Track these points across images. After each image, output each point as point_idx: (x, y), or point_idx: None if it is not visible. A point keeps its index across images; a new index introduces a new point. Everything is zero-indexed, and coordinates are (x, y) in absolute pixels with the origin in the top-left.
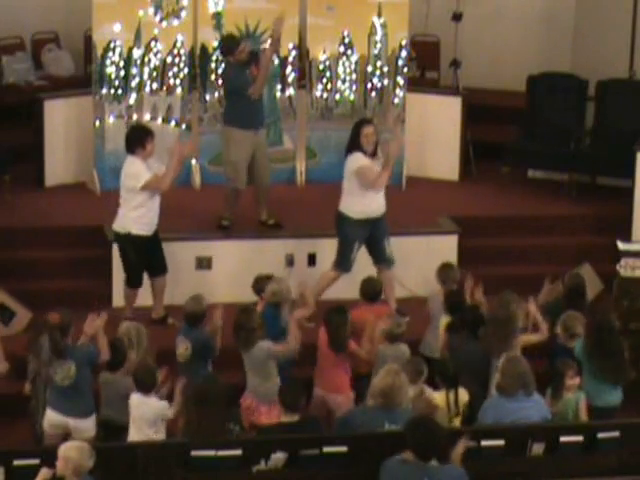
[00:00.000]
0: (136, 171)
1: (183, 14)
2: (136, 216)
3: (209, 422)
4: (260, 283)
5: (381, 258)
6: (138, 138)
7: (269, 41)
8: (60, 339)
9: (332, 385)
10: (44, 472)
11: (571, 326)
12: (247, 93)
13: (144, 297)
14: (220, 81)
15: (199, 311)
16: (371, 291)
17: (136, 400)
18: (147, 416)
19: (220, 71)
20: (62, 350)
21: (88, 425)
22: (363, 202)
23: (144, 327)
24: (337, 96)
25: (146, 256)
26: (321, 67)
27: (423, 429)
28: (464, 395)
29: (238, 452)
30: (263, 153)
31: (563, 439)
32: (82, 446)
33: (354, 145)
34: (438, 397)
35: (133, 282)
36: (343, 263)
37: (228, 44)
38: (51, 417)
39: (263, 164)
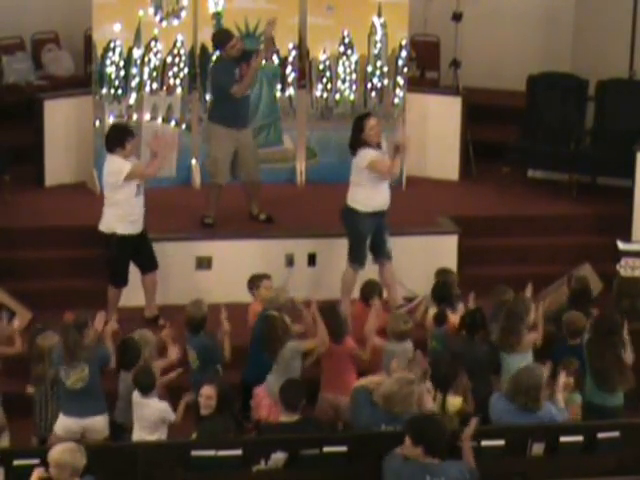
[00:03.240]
0: (117, 167)
1: (183, 14)
2: (121, 214)
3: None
4: (254, 282)
5: (382, 252)
6: (118, 137)
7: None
8: (75, 340)
9: (344, 388)
10: (39, 471)
11: (574, 323)
12: (231, 91)
13: (136, 297)
14: (209, 75)
15: (198, 316)
16: (371, 290)
17: (137, 400)
18: (149, 418)
19: (210, 65)
20: (77, 352)
21: (102, 424)
22: (372, 195)
23: (149, 332)
24: (337, 96)
25: (133, 254)
26: (321, 67)
27: (433, 426)
28: (456, 401)
29: (238, 452)
30: (249, 150)
31: (563, 439)
32: (72, 447)
33: (359, 140)
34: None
35: (118, 280)
36: (359, 258)
37: (220, 37)
38: (66, 423)
39: (249, 161)
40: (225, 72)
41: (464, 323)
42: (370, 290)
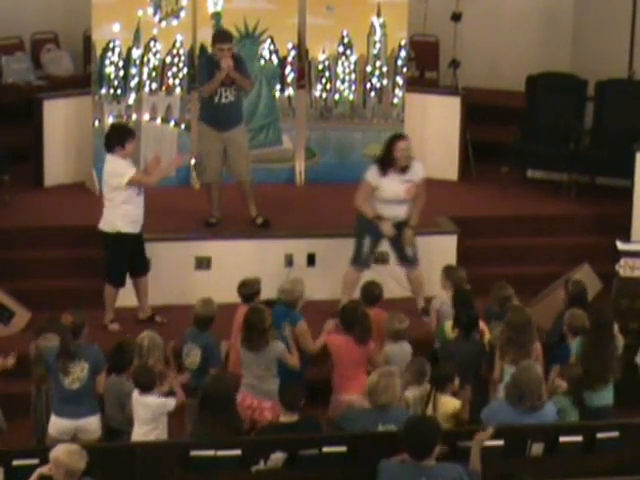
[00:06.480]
0: (120, 169)
1: (182, 14)
2: (122, 214)
3: (217, 424)
4: (247, 287)
5: (400, 258)
6: (118, 137)
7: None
8: (71, 341)
9: (359, 388)
10: (41, 469)
11: (573, 322)
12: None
13: (131, 298)
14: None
15: (210, 314)
16: (370, 295)
17: (134, 398)
18: (144, 416)
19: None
20: (73, 352)
21: (96, 425)
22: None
23: (157, 335)
24: (336, 96)
25: (130, 255)
26: (320, 67)
27: (417, 429)
28: (452, 403)
29: (237, 452)
30: (236, 149)
31: (562, 439)
32: (72, 449)
33: (383, 158)
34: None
35: (117, 281)
36: (355, 258)
37: (214, 35)
38: (59, 424)
39: (236, 161)
40: (204, 69)
41: (459, 322)
42: (368, 293)
